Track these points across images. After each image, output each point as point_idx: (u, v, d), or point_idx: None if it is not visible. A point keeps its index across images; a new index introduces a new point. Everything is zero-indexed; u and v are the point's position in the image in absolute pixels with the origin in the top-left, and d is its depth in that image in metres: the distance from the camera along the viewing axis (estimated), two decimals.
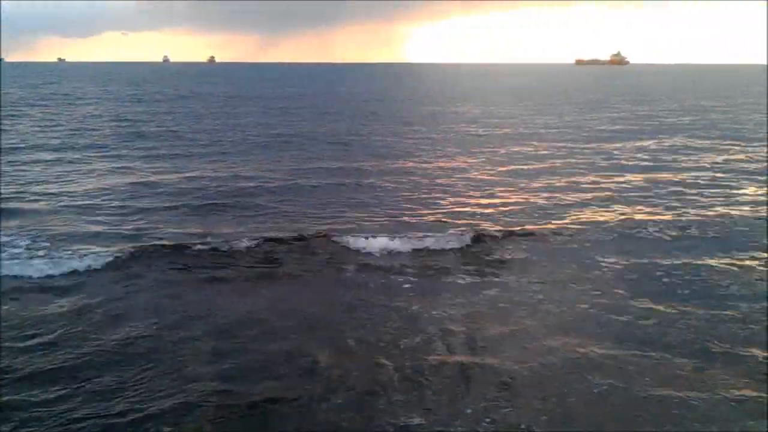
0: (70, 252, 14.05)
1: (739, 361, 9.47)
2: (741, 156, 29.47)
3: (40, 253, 14.04)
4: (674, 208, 18.90)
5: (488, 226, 16.57)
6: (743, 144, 33.61)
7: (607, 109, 58.43)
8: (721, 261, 13.93)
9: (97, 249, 14.32)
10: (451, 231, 15.96)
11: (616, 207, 19.01)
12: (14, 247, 14.44)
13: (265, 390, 8.60)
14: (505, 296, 11.96)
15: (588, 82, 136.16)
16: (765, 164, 27.11)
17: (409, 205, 18.99)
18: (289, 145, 32.53)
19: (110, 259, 13.63)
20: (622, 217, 17.74)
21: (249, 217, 17.58)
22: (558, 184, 22.43)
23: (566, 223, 16.97)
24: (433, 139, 35.38)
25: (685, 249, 14.88)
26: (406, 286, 12.56)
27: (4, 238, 14.97)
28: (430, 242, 14.97)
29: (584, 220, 17.38)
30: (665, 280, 12.84)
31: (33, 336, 10.15)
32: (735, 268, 13.46)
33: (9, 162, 25.68)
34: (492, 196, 20.59)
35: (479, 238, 15.44)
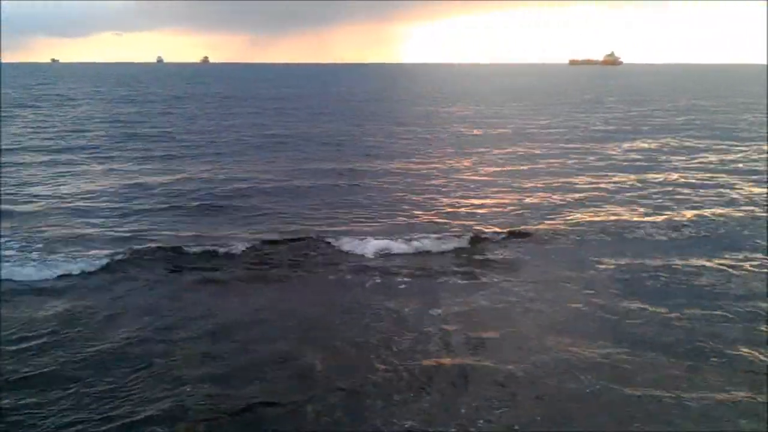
0: (63, 254, 14.01)
1: (734, 362, 9.50)
2: (735, 156, 29.54)
3: (34, 255, 13.99)
4: (668, 208, 18.94)
5: (483, 227, 16.57)
6: (738, 144, 33.69)
7: (602, 109, 58.56)
8: (715, 261, 13.96)
9: (91, 251, 14.26)
10: (446, 232, 15.95)
11: (610, 207, 19.04)
12: (7, 249, 14.38)
13: (260, 392, 8.59)
14: (500, 297, 11.96)
15: (582, 82, 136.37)
16: (759, 164, 27.20)
17: (403, 206, 18.99)
18: (284, 145, 32.51)
19: (104, 261, 13.59)
20: (617, 217, 17.77)
21: (244, 219, 17.55)
22: (553, 185, 22.45)
23: (561, 224, 16.99)
24: (428, 139, 35.40)
25: (679, 249, 14.92)
26: (401, 287, 12.55)
27: None
28: (424, 244, 14.95)
29: (579, 220, 17.41)
30: (660, 280, 12.86)
31: (25, 339, 10.10)
32: (729, 269, 13.48)
33: (2, 163, 25.57)
34: (487, 196, 20.61)
35: (474, 239, 15.45)
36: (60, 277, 12.89)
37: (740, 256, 14.29)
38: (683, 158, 28.84)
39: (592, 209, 18.77)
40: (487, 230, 16.25)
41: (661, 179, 23.65)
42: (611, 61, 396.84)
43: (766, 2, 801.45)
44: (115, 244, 14.90)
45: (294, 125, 42.36)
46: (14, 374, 9.00)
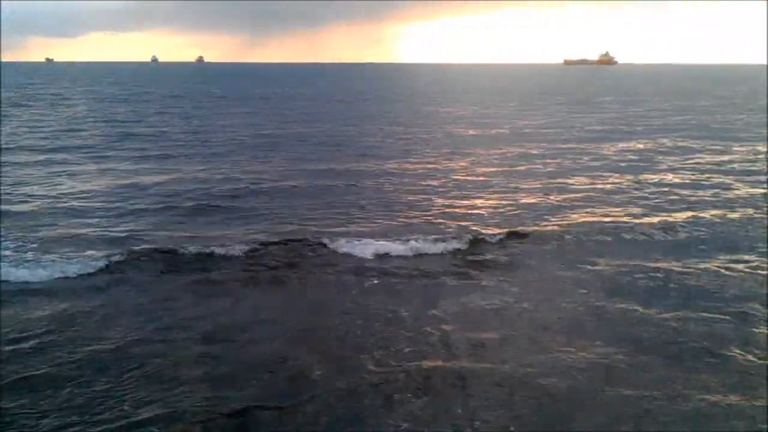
0: (58, 255, 13.93)
1: (728, 363, 9.52)
2: (731, 156, 29.64)
3: (29, 255, 13.93)
4: (664, 209, 18.99)
5: (480, 228, 16.57)
6: (734, 144, 33.79)
7: (597, 109, 58.70)
8: (711, 263, 13.99)
9: (86, 252, 14.20)
10: (443, 233, 15.95)
11: (606, 208, 19.07)
12: (2, 249, 14.30)
13: (256, 394, 8.57)
14: (497, 298, 11.97)
15: (577, 82, 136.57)
16: (755, 165, 27.29)
17: (400, 207, 18.98)
18: (279, 145, 32.49)
19: (100, 262, 13.52)
20: (613, 218, 17.81)
21: (240, 219, 17.51)
22: (549, 185, 22.48)
23: (557, 225, 17.01)
24: (424, 139, 35.39)
25: (675, 251, 14.96)
26: (398, 289, 12.53)
27: None
28: (421, 245, 14.92)
29: (575, 221, 17.43)
30: (655, 282, 12.89)
31: (21, 340, 10.04)
32: (725, 270, 13.52)
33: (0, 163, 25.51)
34: (484, 197, 20.61)
35: (471, 240, 15.43)
36: (55, 278, 12.82)
37: (736, 258, 14.32)
38: (679, 159, 28.92)
39: (588, 210, 18.80)
40: (484, 231, 16.24)
41: (656, 180, 23.71)
42: (606, 60, 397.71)
43: (766, 2, 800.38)
44: (110, 245, 14.84)
45: (289, 125, 42.34)
46: (9, 376, 8.95)
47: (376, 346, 9.98)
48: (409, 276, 13.21)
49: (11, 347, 9.83)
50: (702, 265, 13.81)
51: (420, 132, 38.94)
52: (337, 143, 33.51)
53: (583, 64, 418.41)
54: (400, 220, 17.55)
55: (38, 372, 9.08)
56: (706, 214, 18.23)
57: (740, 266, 13.76)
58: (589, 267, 13.78)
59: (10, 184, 21.58)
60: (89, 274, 13.07)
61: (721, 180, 23.72)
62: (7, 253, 14.09)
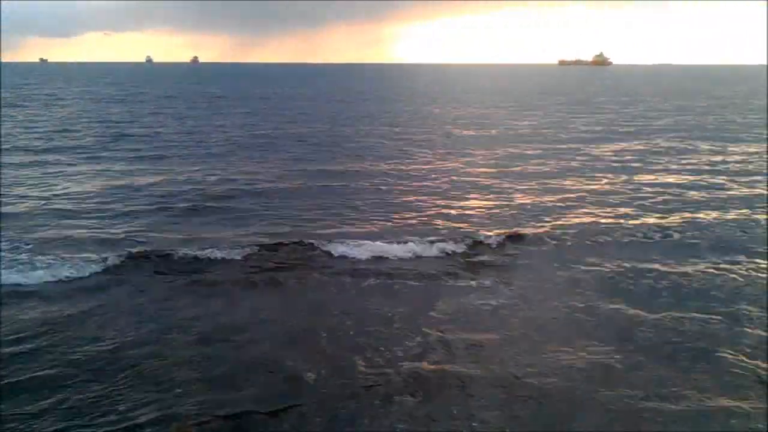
0: (53, 257, 13.84)
1: (723, 365, 9.53)
2: (726, 157, 29.69)
3: (23, 257, 13.83)
4: (660, 210, 19.01)
5: (476, 230, 16.56)
6: (729, 145, 33.87)
7: (592, 110, 58.77)
8: (707, 264, 14.01)
9: (81, 254, 14.11)
10: (438, 235, 15.90)
11: (603, 209, 19.07)
12: None
13: (251, 397, 8.53)
14: (493, 300, 11.95)
15: (572, 83, 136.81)
16: (750, 165, 27.34)
17: (396, 209, 18.92)
18: (275, 146, 32.44)
19: (94, 265, 13.42)
20: (610, 219, 17.82)
21: (235, 221, 17.45)
22: (546, 186, 22.48)
23: (554, 226, 17.00)
24: (421, 140, 35.39)
25: (671, 252, 14.97)
26: (394, 291, 12.50)
27: None
28: (417, 247, 14.87)
29: (572, 222, 17.43)
30: (652, 283, 12.88)
31: (15, 344, 9.98)
32: (721, 272, 13.54)
33: None
34: (480, 198, 20.60)
35: (467, 241, 15.38)
36: (50, 280, 12.73)
37: (732, 259, 14.34)
38: (675, 159, 28.95)
39: (585, 211, 18.81)
40: (481, 232, 16.22)
41: (653, 180, 23.74)
42: (600, 61, 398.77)
43: (766, 2, 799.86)
44: (105, 247, 14.76)
45: (285, 125, 42.29)
46: (4, 378, 8.90)
47: (373, 348, 9.96)
48: (406, 277, 13.17)
49: (6, 350, 9.77)
50: (698, 267, 13.83)
51: (418, 132, 38.96)
52: (335, 143, 33.49)
53: (577, 65, 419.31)
54: (397, 221, 17.52)
55: (34, 375, 9.03)
56: (702, 215, 18.27)
57: (735, 267, 13.78)
58: (585, 268, 13.78)
59: (4, 185, 21.48)
60: (84, 277, 12.98)
61: (717, 181, 23.78)
62: (1, 254, 14.01)
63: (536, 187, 22.40)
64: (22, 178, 23.00)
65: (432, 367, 9.39)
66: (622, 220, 17.69)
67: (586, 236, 16.11)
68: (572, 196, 20.85)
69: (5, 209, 18.24)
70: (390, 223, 17.28)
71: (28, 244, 14.81)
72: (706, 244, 15.57)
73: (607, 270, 13.67)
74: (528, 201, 20.15)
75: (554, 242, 15.69)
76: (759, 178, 24.33)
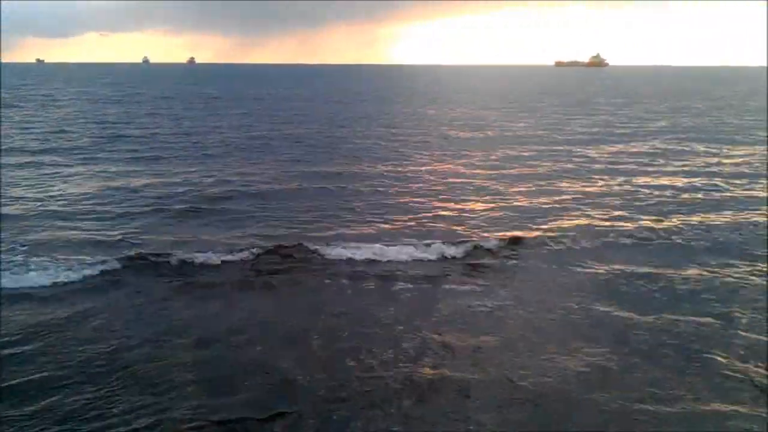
0: (49, 260, 13.75)
1: (717, 368, 9.55)
2: (722, 159, 29.72)
3: (18, 259, 13.77)
4: (657, 212, 19.01)
5: (474, 232, 16.57)
6: (725, 147, 33.88)
7: (589, 111, 58.77)
8: (702, 267, 14.02)
9: (77, 257, 14.05)
10: (435, 238, 15.85)
11: (600, 211, 19.08)
12: None
13: (246, 401, 8.52)
14: (490, 302, 11.96)
15: (568, 84, 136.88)
16: (745, 168, 27.38)
17: (393, 211, 18.91)
18: (272, 147, 32.41)
19: (90, 268, 13.33)
20: (607, 222, 17.83)
21: (231, 223, 17.41)
22: (543, 188, 22.49)
23: (551, 229, 16.99)
24: (417, 142, 35.39)
25: (668, 255, 15.00)
26: (391, 294, 12.50)
27: None
28: (413, 250, 14.84)
29: (569, 225, 17.41)
30: (649, 286, 12.91)
31: (8, 348, 9.95)
32: (716, 275, 13.55)
33: None
34: (477, 201, 20.59)
35: (464, 244, 15.35)
36: (46, 283, 12.64)
37: (728, 262, 14.35)
38: (670, 161, 28.95)
39: (581, 213, 18.81)
40: (477, 235, 16.23)
41: (648, 182, 23.76)
42: (597, 62, 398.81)
43: (766, 2, 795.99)
44: (101, 249, 14.72)
45: (282, 126, 42.26)
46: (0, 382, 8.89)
47: (369, 351, 9.95)
48: (403, 280, 13.17)
49: (1, 352, 9.74)
50: (693, 270, 13.86)
51: (415, 134, 38.96)
52: (332, 145, 33.48)
53: (574, 66, 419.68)
54: (394, 223, 17.50)
55: (29, 378, 9.01)
56: (699, 218, 18.29)
57: (730, 270, 13.81)
58: (582, 270, 13.80)
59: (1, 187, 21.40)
60: (80, 279, 12.92)
61: (713, 183, 23.80)
62: None
63: (533, 188, 22.40)
64: (18, 179, 22.94)
65: (429, 369, 9.39)
66: (618, 223, 17.70)
67: (582, 239, 16.11)
68: (569, 198, 20.86)
69: (2, 211, 18.16)
70: (387, 226, 17.26)
71: (23, 246, 14.76)
72: (702, 247, 15.60)
73: (604, 273, 13.68)
74: (525, 203, 20.16)
75: (551, 245, 15.69)
76: (755, 180, 24.37)
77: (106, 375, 9.12)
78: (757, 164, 28.29)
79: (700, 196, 21.57)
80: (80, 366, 9.39)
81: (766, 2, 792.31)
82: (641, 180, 24.25)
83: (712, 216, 18.56)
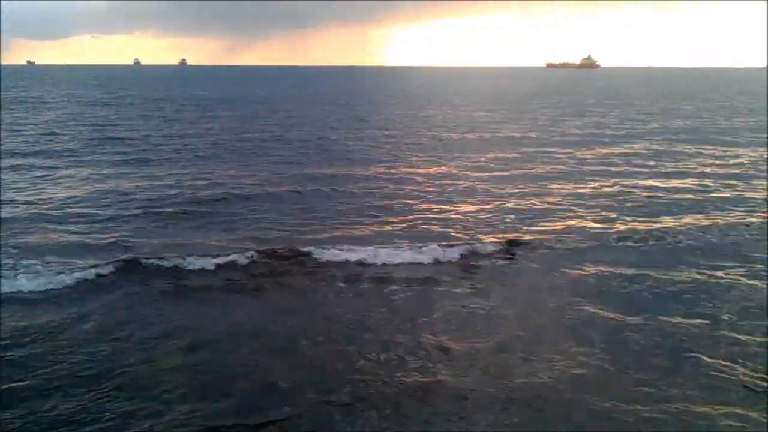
0: (40, 264, 13.59)
1: (709, 372, 9.55)
2: (714, 161, 29.82)
3: (9, 263, 13.63)
4: (649, 214, 19.05)
5: (467, 235, 16.56)
6: (717, 148, 33.99)
7: (581, 113, 58.88)
8: (695, 270, 14.04)
9: (67, 261, 13.95)
10: (427, 241, 15.80)
11: (592, 214, 19.10)
12: None
13: (236, 409, 8.44)
14: (484, 307, 11.95)
15: (560, 86, 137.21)
16: (737, 169, 27.48)
17: (385, 214, 18.89)
18: (263, 149, 32.33)
19: (79, 273, 13.20)
20: (600, 224, 17.85)
21: (223, 226, 17.33)
22: (535, 191, 22.50)
23: (544, 231, 17.01)
24: (410, 144, 35.38)
25: (660, 258, 15.00)
26: (383, 297, 12.46)
27: None
28: (406, 253, 14.81)
29: (562, 227, 17.43)
30: (643, 289, 12.92)
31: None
32: (708, 277, 13.58)
33: None
34: (469, 203, 20.55)
35: (457, 247, 15.31)
36: (36, 288, 12.50)
37: (720, 264, 14.37)
38: (662, 163, 29.00)
39: (575, 216, 18.84)
40: (471, 238, 16.22)
41: (641, 184, 23.80)
42: (588, 64, 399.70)
43: (766, 2, 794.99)
44: (91, 254, 14.60)
45: (274, 128, 42.15)
46: None
47: (364, 354, 9.92)
48: (396, 283, 13.15)
49: None
50: (685, 272, 13.89)
51: (408, 136, 38.95)
52: (324, 147, 33.42)
53: (565, 68, 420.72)
54: (388, 226, 17.48)
55: (21, 383, 8.94)
56: (691, 220, 18.33)
57: (722, 272, 13.84)
58: (576, 273, 13.80)
59: None
60: (71, 284, 12.78)
61: (706, 184, 23.88)
62: None
63: (527, 191, 22.40)
64: (7, 182, 22.75)
65: (424, 372, 9.38)
66: (611, 224, 17.73)
67: (576, 241, 16.13)
68: (562, 200, 20.88)
69: None
70: (380, 228, 17.23)
71: (14, 250, 14.64)
72: (695, 249, 15.64)
73: (597, 274, 13.70)
74: (519, 205, 20.15)
75: (545, 247, 15.69)
76: (746, 181, 24.46)
77: (98, 380, 9.05)
78: (748, 165, 28.41)
79: (692, 197, 21.64)
80: (72, 371, 9.31)
81: (766, 2, 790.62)
82: (634, 182, 24.29)
83: (704, 217, 18.60)
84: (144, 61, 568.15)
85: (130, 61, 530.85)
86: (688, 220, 18.31)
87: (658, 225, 17.69)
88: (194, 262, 13.97)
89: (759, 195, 21.98)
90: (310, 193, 21.61)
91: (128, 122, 45.58)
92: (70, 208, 19.13)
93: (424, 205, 20.07)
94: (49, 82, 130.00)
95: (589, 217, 18.57)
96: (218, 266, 13.92)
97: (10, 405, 8.38)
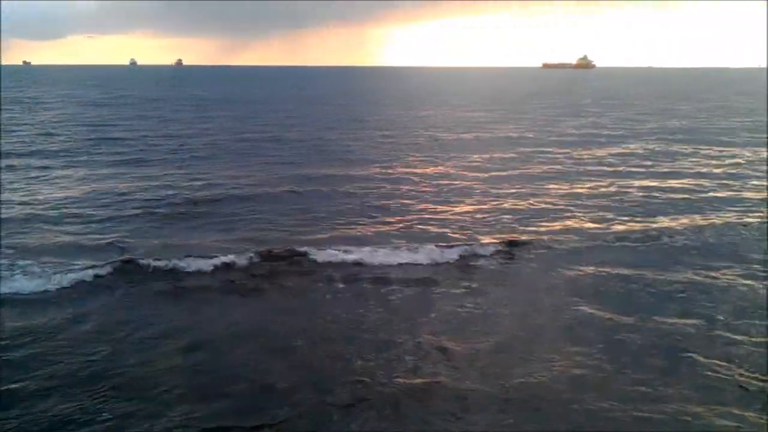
0: (37, 266, 13.56)
1: (705, 372, 9.58)
2: (710, 161, 29.86)
3: (4, 264, 13.59)
4: (646, 215, 19.09)
5: (465, 236, 16.58)
6: (713, 149, 34.04)
7: (577, 114, 58.89)
8: (692, 270, 14.07)
9: (64, 262, 13.91)
10: (424, 241, 15.82)
11: (590, 214, 19.12)
12: None
13: (234, 411, 8.45)
14: (481, 307, 11.98)
15: (557, 86, 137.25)
16: (733, 169, 27.53)
17: (382, 215, 18.90)
18: (259, 149, 32.30)
19: (76, 274, 13.15)
20: (597, 224, 17.88)
21: (219, 226, 17.34)
22: (533, 191, 22.53)
23: (541, 232, 17.02)
24: (407, 144, 35.37)
25: (657, 258, 15.03)
26: (380, 298, 12.45)
27: None
28: (403, 254, 14.80)
29: (559, 228, 17.45)
30: (639, 290, 12.95)
31: None
32: (705, 278, 13.62)
33: None
34: (468, 204, 20.57)
35: (455, 248, 15.32)
36: (33, 289, 12.48)
37: (717, 265, 14.40)
38: (659, 163, 29.05)
39: (572, 216, 18.86)
40: (469, 239, 16.23)
41: (638, 184, 23.82)
42: (584, 64, 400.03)
43: (766, 2, 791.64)
44: (89, 255, 14.57)
45: (271, 129, 42.09)
46: None
47: (361, 355, 9.95)
48: (393, 284, 13.15)
49: None
50: (682, 273, 13.92)
51: (405, 136, 38.94)
52: (322, 148, 33.39)
53: (561, 68, 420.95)
54: (385, 227, 17.48)
55: (18, 385, 8.93)
56: (687, 220, 18.36)
57: (719, 273, 13.88)
58: (574, 274, 13.83)
59: None
60: (69, 285, 12.76)
61: (703, 184, 23.92)
62: None
63: (524, 191, 22.41)
64: (3, 183, 22.69)
65: (422, 372, 9.40)
66: (608, 225, 17.76)
67: (573, 242, 16.16)
68: (560, 200, 20.91)
69: None
70: (378, 228, 17.23)
71: (10, 251, 14.61)
72: (693, 249, 15.68)
73: (594, 275, 13.73)
74: (516, 206, 20.17)
75: (542, 247, 15.71)
76: (744, 181, 24.52)
77: (96, 380, 9.05)
78: (745, 166, 28.47)
79: (688, 197, 21.68)
80: (70, 372, 9.31)
81: (766, 2, 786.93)
82: (630, 182, 24.31)
83: (701, 218, 18.63)
84: (140, 62, 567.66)
85: (126, 61, 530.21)
86: (684, 220, 18.33)
87: (655, 225, 17.72)
88: (192, 263, 13.95)
89: (755, 195, 22.03)
90: (308, 194, 21.60)
91: (125, 122, 45.47)
92: (67, 208, 19.09)
93: (422, 206, 20.07)
94: (45, 82, 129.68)
95: (586, 218, 18.60)
96: (216, 267, 13.91)
97: (8, 406, 8.38)
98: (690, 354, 10.08)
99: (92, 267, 13.50)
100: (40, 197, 20.59)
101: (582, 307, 11.87)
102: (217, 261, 14.08)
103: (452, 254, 14.93)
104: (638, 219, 18.46)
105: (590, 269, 14.05)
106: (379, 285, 13.07)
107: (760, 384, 9.15)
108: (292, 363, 9.73)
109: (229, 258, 14.24)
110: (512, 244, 15.81)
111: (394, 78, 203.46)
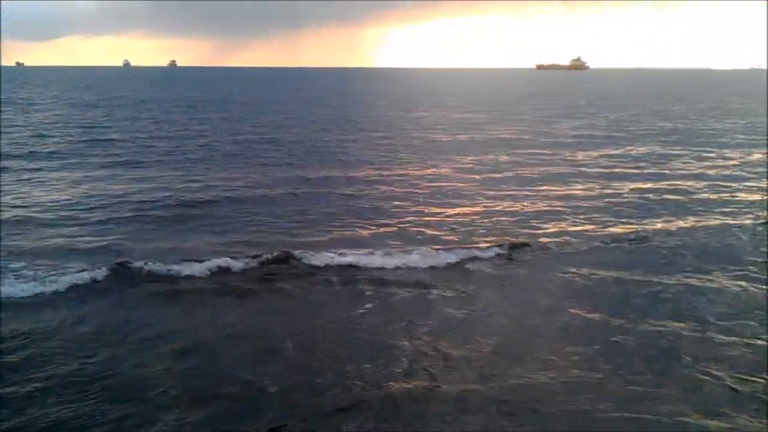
0: (29, 269, 13.51)
1: (697, 377, 9.57)
2: (704, 163, 29.90)
3: None
4: (640, 217, 19.11)
5: (460, 239, 16.59)
6: (708, 150, 34.10)
7: (571, 115, 58.96)
8: (685, 274, 14.06)
9: (56, 264, 13.85)
10: (421, 244, 15.80)
11: (584, 217, 19.12)
12: None
13: (228, 416, 8.41)
14: (477, 311, 11.96)
15: (550, 87, 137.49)
16: (728, 171, 27.60)
17: (378, 217, 18.86)
18: (254, 151, 32.25)
19: (70, 278, 13.07)
20: (592, 227, 17.89)
21: (214, 228, 17.30)
22: (528, 193, 22.54)
23: (536, 235, 17.03)
24: (402, 145, 35.38)
25: (651, 261, 14.99)
26: (376, 302, 12.42)
27: None
28: (399, 257, 14.77)
29: (554, 231, 17.45)
30: (635, 293, 12.95)
31: None
32: (699, 282, 13.60)
33: None
34: (464, 206, 20.56)
35: (451, 251, 15.30)
36: (26, 293, 12.39)
37: (710, 268, 14.37)
38: (653, 165, 29.09)
39: (568, 218, 18.87)
40: (464, 242, 16.24)
41: (632, 186, 23.86)
42: (578, 65, 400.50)
43: (766, 2, 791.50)
44: (82, 258, 14.51)
45: (265, 130, 42.03)
46: None
47: (358, 359, 9.92)
48: (389, 287, 13.12)
49: None
50: (676, 276, 13.89)
51: (400, 137, 38.94)
52: (316, 149, 33.38)
53: (555, 69, 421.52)
54: (380, 229, 17.46)
55: (11, 389, 8.87)
56: (681, 222, 18.38)
57: (712, 276, 13.85)
58: (569, 277, 13.82)
59: None
60: (62, 289, 12.67)
61: (696, 186, 23.97)
62: None
63: (520, 194, 22.43)
64: None
65: (417, 377, 9.37)
66: (603, 227, 17.78)
67: (569, 244, 16.17)
68: (555, 203, 20.92)
69: None
70: (374, 231, 17.22)
71: (2, 253, 14.53)
72: (686, 252, 15.66)
73: (591, 278, 13.74)
74: (512, 208, 20.19)
75: (538, 250, 15.72)
76: (739, 183, 24.58)
77: (90, 384, 9.00)
78: (740, 168, 28.56)
79: (683, 199, 21.72)
80: (64, 375, 9.26)
81: (766, 2, 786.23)
82: (625, 184, 24.36)
83: (695, 220, 18.68)
84: (134, 62, 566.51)
85: (120, 62, 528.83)
86: (678, 222, 18.37)
87: (650, 227, 17.75)
88: (186, 266, 13.89)
89: (751, 197, 22.10)
90: (304, 196, 21.59)
91: (118, 124, 45.34)
92: (60, 211, 19.01)
93: (418, 208, 20.06)
94: (38, 83, 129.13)
95: (581, 220, 18.62)
96: (211, 269, 13.85)
97: (1, 410, 8.32)
98: (684, 356, 10.10)
99: (87, 270, 13.42)
100: (33, 200, 20.48)
101: (577, 310, 11.90)
102: (212, 264, 14.02)
103: (448, 257, 14.91)
104: (633, 221, 18.49)
105: (585, 271, 14.07)
106: (375, 287, 13.04)
107: (753, 387, 9.17)
108: (287, 366, 9.71)
109: (224, 260, 14.19)
110: (508, 246, 15.79)
111: (390, 79, 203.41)
